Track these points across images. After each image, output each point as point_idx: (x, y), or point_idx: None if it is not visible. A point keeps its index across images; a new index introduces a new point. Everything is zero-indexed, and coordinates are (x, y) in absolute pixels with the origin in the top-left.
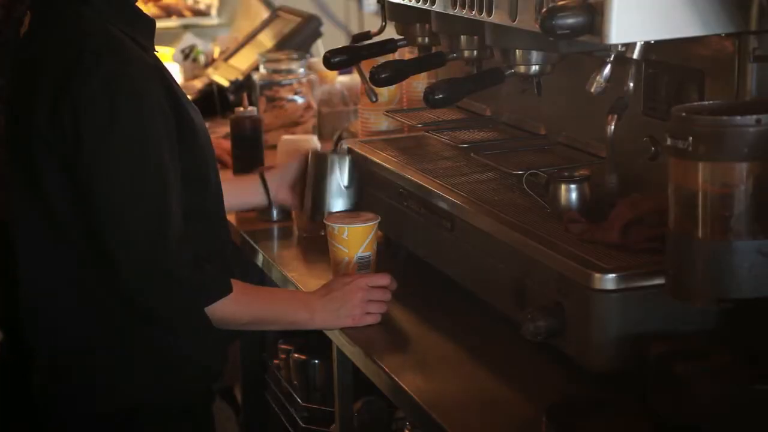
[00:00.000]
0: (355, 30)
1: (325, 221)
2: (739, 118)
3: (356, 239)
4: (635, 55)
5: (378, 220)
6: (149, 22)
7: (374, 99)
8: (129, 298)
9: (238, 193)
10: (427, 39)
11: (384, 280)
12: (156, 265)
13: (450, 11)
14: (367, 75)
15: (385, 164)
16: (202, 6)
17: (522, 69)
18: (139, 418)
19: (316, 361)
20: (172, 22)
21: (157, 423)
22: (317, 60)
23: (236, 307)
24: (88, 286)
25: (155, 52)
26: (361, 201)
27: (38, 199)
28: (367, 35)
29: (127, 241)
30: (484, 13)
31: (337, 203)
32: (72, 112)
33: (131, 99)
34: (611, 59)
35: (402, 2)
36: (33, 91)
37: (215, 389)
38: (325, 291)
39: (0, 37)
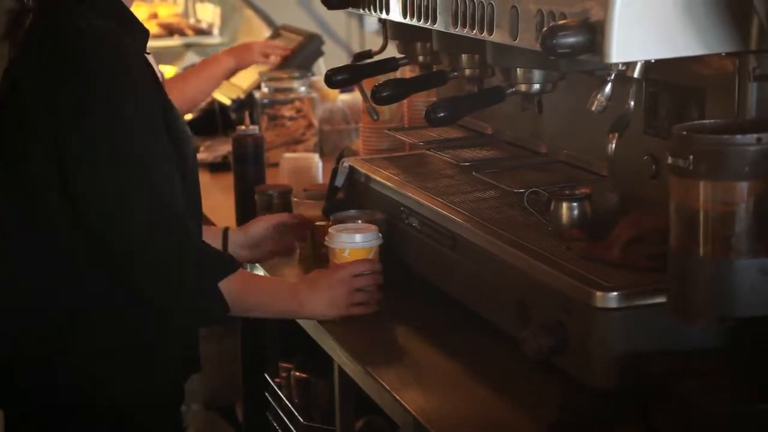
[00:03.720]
0: (357, 49)
1: (325, 242)
2: (739, 137)
3: (357, 258)
4: (636, 74)
5: (380, 238)
6: (144, 30)
7: (376, 117)
8: (138, 287)
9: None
10: (428, 58)
11: (364, 266)
12: (170, 247)
13: (451, 30)
14: (369, 93)
15: (386, 182)
16: (203, 25)
17: (523, 87)
18: (120, 415)
19: (318, 380)
20: (174, 41)
21: (136, 420)
22: (319, 78)
23: (241, 287)
24: (72, 282)
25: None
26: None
27: (25, 195)
28: (369, 54)
29: (134, 231)
30: (485, 32)
31: None
32: (64, 97)
33: (125, 81)
34: (612, 78)
35: (403, 21)
36: (23, 80)
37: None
38: (311, 282)
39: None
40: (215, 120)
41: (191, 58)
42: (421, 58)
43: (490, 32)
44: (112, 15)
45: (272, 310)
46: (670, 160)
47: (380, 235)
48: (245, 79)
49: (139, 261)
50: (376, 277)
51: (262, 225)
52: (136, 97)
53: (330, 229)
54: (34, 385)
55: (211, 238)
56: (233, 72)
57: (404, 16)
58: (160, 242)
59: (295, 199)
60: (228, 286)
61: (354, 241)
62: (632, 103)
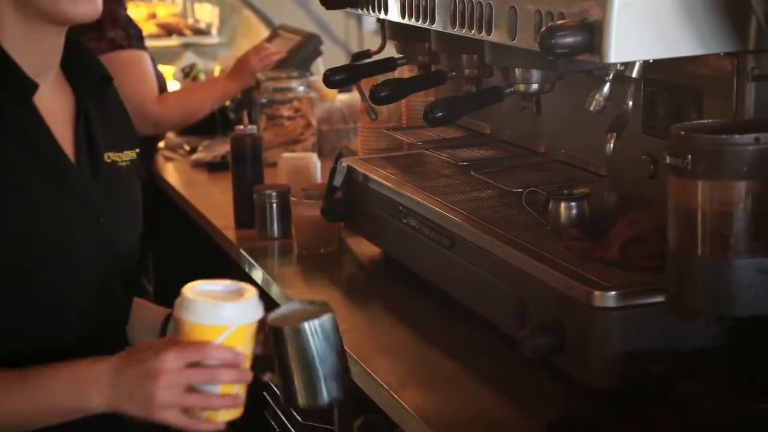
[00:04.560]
0: (355, 48)
1: (176, 314)
2: (737, 136)
3: (201, 338)
4: (634, 74)
5: (255, 312)
6: (21, 81)
7: (374, 117)
8: None
9: (141, 318)
10: (426, 57)
11: (202, 353)
12: None
13: (449, 30)
14: (367, 93)
15: (384, 182)
16: (202, 25)
17: (521, 87)
18: None
19: None
20: (173, 41)
21: None
22: (317, 78)
23: None
24: None
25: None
26: (355, 217)
27: None
28: (367, 54)
29: None
30: (483, 32)
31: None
32: None
33: None
34: (610, 78)
35: (402, 21)
36: None
37: None
38: (127, 360)
39: None
40: (214, 120)
41: (190, 57)
42: (419, 58)
43: (489, 32)
44: None
45: (51, 415)
46: (668, 160)
47: (259, 308)
48: None
49: None
50: (224, 374)
51: None
52: None
53: (184, 289)
54: None
55: (152, 320)
56: (236, 95)
57: (402, 16)
58: None
59: (293, 199)
60: None
61: (202, 314)
62: (630, 102)
